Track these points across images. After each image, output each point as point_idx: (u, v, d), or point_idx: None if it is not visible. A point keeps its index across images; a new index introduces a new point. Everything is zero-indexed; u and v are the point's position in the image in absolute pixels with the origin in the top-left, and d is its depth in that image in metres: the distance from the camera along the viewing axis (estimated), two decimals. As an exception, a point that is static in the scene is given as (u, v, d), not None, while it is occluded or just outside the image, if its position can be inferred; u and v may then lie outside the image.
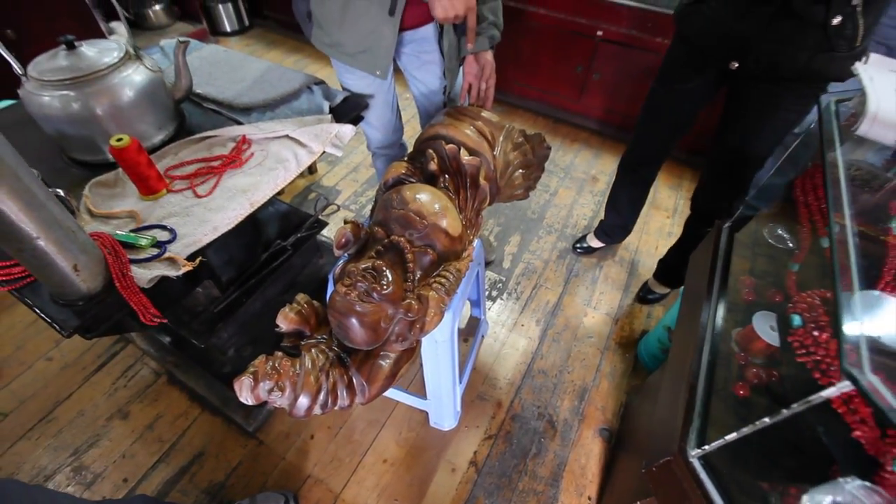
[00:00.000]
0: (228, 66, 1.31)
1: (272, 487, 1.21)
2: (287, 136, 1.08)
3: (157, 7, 2.92)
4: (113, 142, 0.84)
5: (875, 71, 0.65)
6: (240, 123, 1.13)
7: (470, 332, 1.52)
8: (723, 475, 0.54)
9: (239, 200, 0.94)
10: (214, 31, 3.15)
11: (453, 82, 1.22)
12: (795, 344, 0.54)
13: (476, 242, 1.05)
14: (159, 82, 1.03)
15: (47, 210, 0.66)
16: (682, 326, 0.78)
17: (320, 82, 1.25)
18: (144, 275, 0.79)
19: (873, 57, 0.68)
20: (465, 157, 0.96)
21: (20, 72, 0.91)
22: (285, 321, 0.77)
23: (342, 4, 1.00)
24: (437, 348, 1.01)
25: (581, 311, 1.63)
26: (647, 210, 1.99)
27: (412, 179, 0.96)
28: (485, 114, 1.09)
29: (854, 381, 0.37)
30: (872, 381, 0.36)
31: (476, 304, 1.51)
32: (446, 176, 0.99)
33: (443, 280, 0.82)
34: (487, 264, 1.77)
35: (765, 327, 0.63)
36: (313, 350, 0.75)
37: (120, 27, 1.08)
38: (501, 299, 1.66)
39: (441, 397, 1.19)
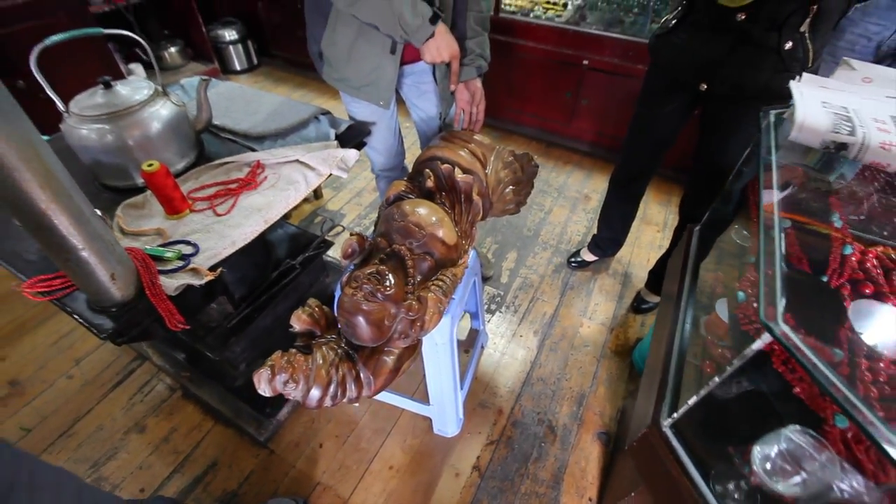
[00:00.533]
0: (243, 100, 1.44)
1: (283, 495, 1.25)
2: (297, 161, 1.18)
3: (173, 49, 3.12)
4: (144, 167, 0.95)
5: (806, 87, 0.75)
6: (254, 150, 1.24)
7: (470, 344, 1.58)
8: (693, 443, 0.61)
9: (255, 218, 1.03)
10: (225, 70, 3.35)
11: (448, 109, 1.34)
12: (740, 316, 0.61)
13: (471, 252, 1.13)
14: (183, 116, 1.15)
15: (91, 225, 0.76)
16: (660, 321, 0.86)
17: (326, 112, 1.37)
18: (171, 283, 0.88)
19: (806, 76, 0.78)
20: (459, 175, 1.06)
21: (63, 108, 1.03)
22: (298, 322, 0.85)
23: (349, 45, 1.12)
24: (438, 351, 1.09)
25: (577, 322, 1.69)
26: (638, 225, 2.08)
27: (411, 196, 1.06)
28: (477, 136, 1.20)
29: (770, 331, 0.44)
30: (785, 330, 0.44)
31: (475, 316, 1.58)
32: (443, 193, 1.09)
33: (440, 283, 0.90)
34: (486, 279, 1.85)
35: (724, 311, 0.70)
36: (324, 347, 0.83)
37: (138, 68, 1.20)
38: (500, 312, 1.73)
39: (443, 402, 1.25)
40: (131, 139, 1.05)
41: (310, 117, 1.35)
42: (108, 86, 1.06)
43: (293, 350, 0.81)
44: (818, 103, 0.70)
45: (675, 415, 0.60)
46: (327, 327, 0.89)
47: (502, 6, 2.37)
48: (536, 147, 2.66)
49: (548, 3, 2.40)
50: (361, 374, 0.82)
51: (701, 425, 0.61)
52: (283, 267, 1.54)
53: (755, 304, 0.55)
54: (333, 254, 1.88)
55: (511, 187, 1.19)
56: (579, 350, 1.60)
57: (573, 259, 1.89)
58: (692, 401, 0.57)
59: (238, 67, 3.37)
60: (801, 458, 0.51)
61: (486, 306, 1.75)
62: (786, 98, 1.02)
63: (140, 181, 1.11)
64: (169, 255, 0.92)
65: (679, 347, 0.70)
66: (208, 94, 1.23)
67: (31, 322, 1.67)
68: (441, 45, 1.04)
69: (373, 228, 1.10)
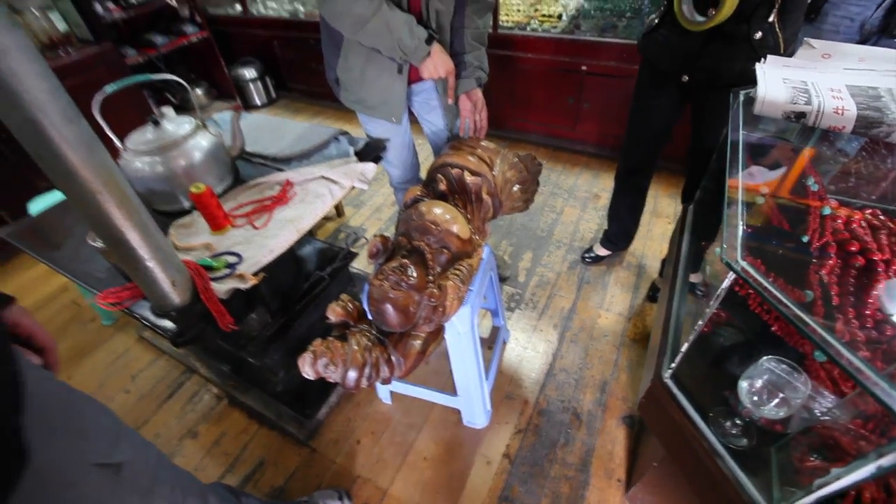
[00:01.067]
0: (269, 128, 1.59)
1: (326, 488, 1.34)
2: (322, 177, 1.31)
3: (199, 91, 3.37)
4: (192, 189, 1.08)
5: (769, 67, 0.82)
6: (282, 170, 1.37)
7: (492, 340, 1.66)
8: (693, 390, 0.68)
9: (288, 229, 1.15)
10: (247, 106, 3.58)
11: (454, 120, 1.45)
12: (720, 271, 0.68)
13: (486, 247, 1.23)
14: (220, 145, 1.29)
15: (156, 239, 0.88)
16: (662, 293, 0.92)
17: (345, 133, 1.50)
18: (221, 288, 1.00)
19: (770, 58, 0.86)
20: (468, 177, 1.16)
21: (120, 146, 1.18)
22: (333, 314, 0.96)
23: (360, 69, 1.25)
24: (461, 340, 1.17)
25: (595, 314, 1.75)
26: (649, 218, 2.14)
27: (427, 199, 1.16)
28: (483, 142, 1.30)
29: (731, 267, 0.51)
30: (745, 265, 0.51)
31: (496, 313, 1.66)
32: (455, 195, 1.19)
33: (458, 272, 0.99)
34: (504, 280, 1.93)
35: (708, 270, 0.77)
36: (357, 335, 0.93)
37: (169, 111, 1.34)
38: (520, 309, 1.81)
39: (470, 393, 1.33)
40: (178, 168, 1.19)
41: (330, 138, 1.48)
42: (156, 123, 1.22)
43: (331, 338, 0.91)
44: (780, 80, 0.77)
45: (672, 365, 0.67)
46: (359, 318, 0.99)
47: (500, 23, 2.51)
48: (544, 152, 2.76)
49: (543, 16, 2.53)
50: (392, 357, 0.92)
51: (698, 374, 0.68)
52: (313, 278, 1.66)
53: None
54: (358, 265, 1.99)
55: (518, 186, 1.29)
56: (599, 340, 1.66)
57: (587, 255, 1.96)
58: (684, 348, 0.63)
59: (258, 102, 3.60)
60: (779, 385, 0.57)
61: (505, 304, 1.82)
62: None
63: (186, 204, 1.25)
64: (217, 264, 1.04)
65: (677, 311, 0.77)
66: (240, 125, 1.38)
67: (90, 346, 1.83)
68: (437, 63, 1.17)
69: (394, 232, 1.20)
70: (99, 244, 1.06)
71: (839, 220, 0.78)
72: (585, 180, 2.49)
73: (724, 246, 0.53)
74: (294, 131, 1.55)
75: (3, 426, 0.48)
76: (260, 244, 1.11)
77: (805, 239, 0.74)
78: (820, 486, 0.47)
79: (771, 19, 0.99)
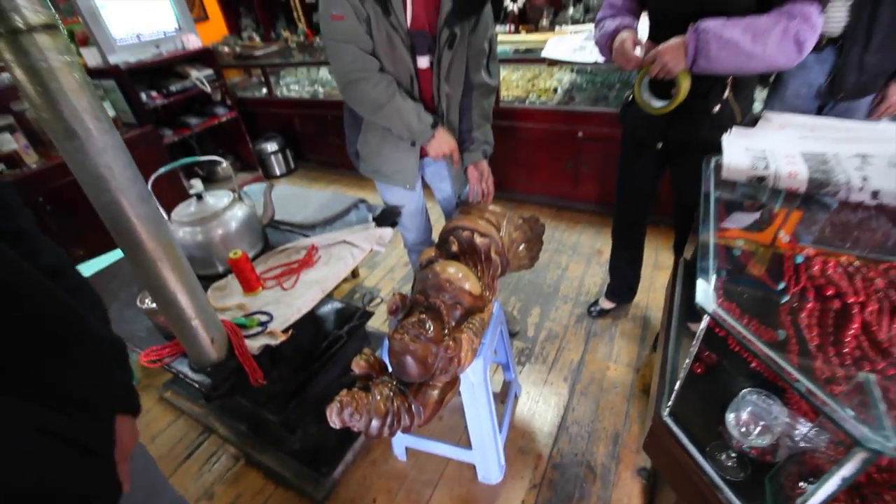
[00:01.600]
0: (295, 198, 1.75)
1: (343, 548, 1.34)
2: (344, 241, 1.44)
3: (224, 164, 3.64)
4: (231, 255, 1.21)
5: (734, 138, 0.96)
6: (308, 236, 1.51)
7: (504, 395, 1.70)
8: (690, 427, 0.74)
9: (314, 289, 1.26)
10: (267, 175, 3.84)
11: (462, 188, 1.60)
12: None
13: (496, 303, 1.32)
14: (253, 214, 1.44)
15: (201, 301, 0.99)
16: (661, 337, 1.00)
17: (363, 201, 1.66)
18: (254, 345, 1.09)
19: (735, 129, 1.00)
20: (478, 239, 1.28)
21: (166, 217, 1.33)
22: (357, 367, 1.04)
23: (378, 143, 1.42)
24: (475, 392, 1.23)
25: (604, 366, 1.80)
26: (651, 272, 2.23)
27: (441, 259, 1.28)
28: (490, 206, 1.44)
29: (704, 310, 0.60)
30: (718, 311, 0.59)
31: (507, 367, 1.71)
32: (466, 255, 1.30)
33: (471, 326, 1.08)
34: (513, 335, 2.00)
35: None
36: (380, 385, 1.00)
37: (198, 183, 1.50)
38: (530, 363, 1.86)
39: (484, 445, 1.36)
40: (216, 236, 1.33)
41: (350, 206, 1.63)
42: (199, 197, 1.37)
43: (355, 389, 0.99)
44: (743, 149, 0.90)
45: (669, 404, 0.73)
46: (380, 371, 1.07)
47: (501, 97, 2.77)
48: (548, 212, 2.91)
49: (540, 90, 2.79)
50: (413, 406, 0.98)
51: (694, 411, 0.74)
52: (331, 337, 1.74)
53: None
54: (373, 324, 2.07)
55: (523, 245, 1.40)
56: (609, 392, 1.69)
57: (592, 308, 2.03)
58: (677, 386, 0.70)
59: (278, 172, 3.87)
60: (760, 415, 0.63)
61: (516, 359, 1.87)
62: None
63: (220, 269, 1.38)
64: (250, 322, 1.14)
65: (672, 355, 0.84)
66: (271, 196, 1.54)
67: (113, 406, 1.88)
68: (441, 143, 1.34)
69: (410, 291, 1.31)
70: (147, 306, 1.17)
71: (816, 267, 0.87)
72: (588, 237, 2.61)
73: (700, 292, 0.62)
74: (317, 200, 1.71)
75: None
76: (288, 304, 1.22)
77: (781, 285, 0.83)
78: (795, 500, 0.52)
79: (726, 95, 1.16)
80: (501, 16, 3.01)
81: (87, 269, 1.86)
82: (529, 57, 2.61)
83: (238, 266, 1.22)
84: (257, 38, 4.28)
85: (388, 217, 1.58)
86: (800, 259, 0.85)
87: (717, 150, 1.01)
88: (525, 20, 3.00)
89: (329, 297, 1.99)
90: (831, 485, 0.49)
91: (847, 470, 0.47)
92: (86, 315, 0.55)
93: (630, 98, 1.41)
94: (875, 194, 0.73)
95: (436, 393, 1.01)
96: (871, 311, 0.78)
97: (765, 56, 0.97)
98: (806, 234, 0.98)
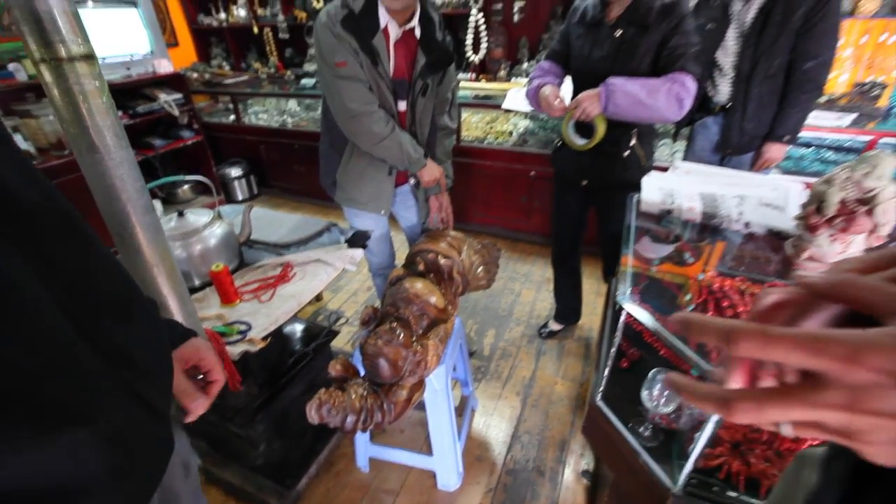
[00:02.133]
0: (269, 219, 1.85)
1: (306, 556, 1.38)
2: (318, 260, 1.55)
3: (185, 187, 3.64)
4: (213, 268, 1.29)
5: (650, 178, 1.20)
6: (282, 255, 1.60)
7: (462, 408, 1.82)
8: (620, 409, 0.90)
9: (291, 302, 1.36)
10: (229, 200, 3.86)
11: (425, 217, 1.78)
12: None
13: (457, 318, 1.47)
14: (231, 233, 1.53)
15: (188, 305, 1.07)
16: (596, 343, 1.18)
17: (335, 224, 1.78)
18: (234, 350, 1.17)
19: (653, 173, 1.26)
20: (441, 260, 1.44)
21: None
22: (333, 370, 1.14)
23: (360, 174, 1.58)
24: (437, 397, 1.35)
25: (552, 381, 1.97)
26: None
27: (408, 277, 1.42)
28: (452, 232, 1.61)
29: (621, 303, 0.78)
30: (630, 308, 0.77)
31: (465, 383, 1.84)
32: (431, 274, 1.46)
33: (437, 334, 1.22)
34: (471, 354, 2.14)
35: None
36: (355, 386, 1.11)
37: (158, 203, 1.59)
38: (486, 379, 2.00)
39: (444, 450, 1.47)
40: (195, 252, 1.41)
41: (323, 228, 1.75)
42: (181, 214, 1.45)
43: (332, 388, 1.09)
44: (656, 188, 1.14)
45: (600, 390, 0.90)
46: (354, 374, 1.18)
47: (462, 137, 3.02)
48: (503, 242, 3.13)
49: (497, 132, 3.07)
50: (384, 404, 1.10)
51: (621, 396, 0.91)
52: (297, 354, 1.81)
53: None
54: (337, 344, 2.15)
55: (481, 267, 1.58)
56: (557, 404, 1.86)
57: (542, 329, 2.22)
58: (605, 372, 0.87)
59: (240, 198, 3.90)
60: (665, 389, 0.81)
61: (472, 375, 2.01)
62: (635, 187, 1.52)
63: (197, 282, 1.44)
64: (230, 330, 1.22)
65: (605, 355, 1.02)
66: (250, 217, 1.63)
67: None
68: (433, 170, 1.56)
69: (380, 306, 1.43)
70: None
71: (716, 285, 1.09)
72: (539, 266, 2.84)
73: (619, 290, 0.80)
74: (291, 222, 1.81)
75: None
76: (266, 314, 1.31)
77: (688, 297, 1.04)
78: (690, 453, 0.69)
79: (632, 143, 1.48)
80: (464, 65, 3.31)
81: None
82: (488, 103, 2.89)
83: (219, 278, 1.30)
84: (227, 67, 4.37)
85: (359, 239, 1.71)
86: (701, 276, 1.07)
87: (630, 186, 1.26)
88: (485, 70, 3.32)
89: (294, 317, 2.06)
90: (706, 431, 0.66)
91: (712, 420, 0.65)
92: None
93: (559, 143, 1.68)
94: (747, 224, 0.97)
95: (405, 393, 1.13)
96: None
97: (656, 108, 1.27)
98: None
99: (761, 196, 1.06)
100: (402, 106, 1.47)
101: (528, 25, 3.18)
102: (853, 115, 2.31)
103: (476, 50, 3.18)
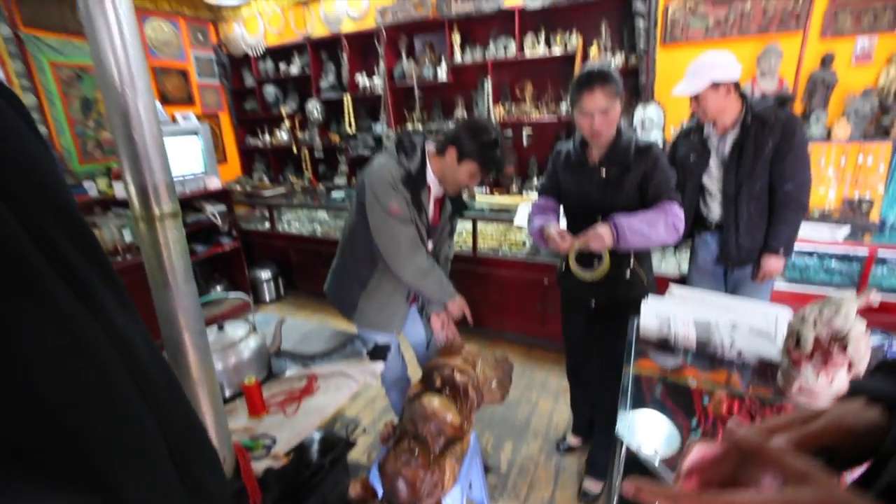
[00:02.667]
0: (297, 330, 1.98)
1: None
2: (341, 372, 1.64)
3: (218, 287, 3.88)
4: (245, 381, 1.39)
5: (649, 304, 1.30)
6: (308, 366, 1.70)
7: (479, 532, 1.74)
8: None
9: (313, 416, 1.43)
10: (257, 300, 4.06)
11: (431, 334, 1.90)
12: None
13: (472, 433, 1.50)
14: (263, 345, 1.65)
15: (222, 421, 1.15)
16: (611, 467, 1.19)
17: (358, 337, 1.90)
18: (259, 467, 1.22)
19: (651, 297, 1.36)
20: (457, 376, 1.51)
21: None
22: (353, 491, 1.17)
23: (384, 302, 1.74)
24: (452, 521, 1.34)
25: (573, 501, 1.88)
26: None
27: (426, 393, 1.48)
28: (467, 347, 1.70)
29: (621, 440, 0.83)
30: (630, 442, 0.82)
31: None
32: (447, 389, 1.52)
33: (453, 453, 1.26)
34: (487, 470, 2.09)
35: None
36: (372, 508, 1.13)
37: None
38: (503, 499, 1.93)
39: (459, 583, 1.40)
40: (230, 364, 1.52)
41: (346, 341, 1.86)
42: (221, 328, 1.59)
43: (350, 511, 1.11)
44: (654, 315, 1.23)
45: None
46: (373, 496, 1.20)
47: (479, 247, 3.23)
48: (518, 349, 3.17)
49: (511, 242, 3.28)
50: (399, 529, 1.11)
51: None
52: (313, 467, 1.81)
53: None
54: (354, 455, 2.13)
55: (495, 382, 1.63)
56: (578, 531, 1.76)
57: (561, 444, 2.17)
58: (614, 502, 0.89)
59: (268, 299, 4.10)
60: None
61: (489, 493, 1.94)
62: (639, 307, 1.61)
63: (229, 393, 1.53)
64: (256, 445, 1.28)
65: (614, 478, 1.04)
66: (273, 328, 1.77)
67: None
68: (459, 303, 1.72)
69: (397, 420, 1.48)
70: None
71: (724, 404, 1.13)
72: (556, 374, 2.84)
73: (619, 423, 0.85)
74: (317, 333, 1.94)
75: None
76: (290, 429, 1.37)
77: (693, 421, 1.08)
78: None
79: (633, 266, 1.62)
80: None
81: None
82: (502, 217, 3.13)
83: (250, 392, 1.39)
84: (266, 180, 4.88)
85: (379, 353, 1.81)
86: (706, 400, 1.12)
87: (635, 304, 1.36)
88: (499, 184, 3.65)
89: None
90: None
91: None
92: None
93: (564, 268, 1.80)
94: (739, 353, 1.03)
95: (421, 517, 1.14)
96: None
97: (658, 237, 1.44)
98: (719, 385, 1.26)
99: (752, 324, 1.14)
100: (430, 245, 1.71)
101: (536, 147, 3.56)
102: (847, 228, 2.44)
103: (491, 170, 3.54)
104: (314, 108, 4.17)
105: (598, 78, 1.42)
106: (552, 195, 1.79)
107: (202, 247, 3.61)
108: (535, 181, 3.55)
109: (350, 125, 4.10)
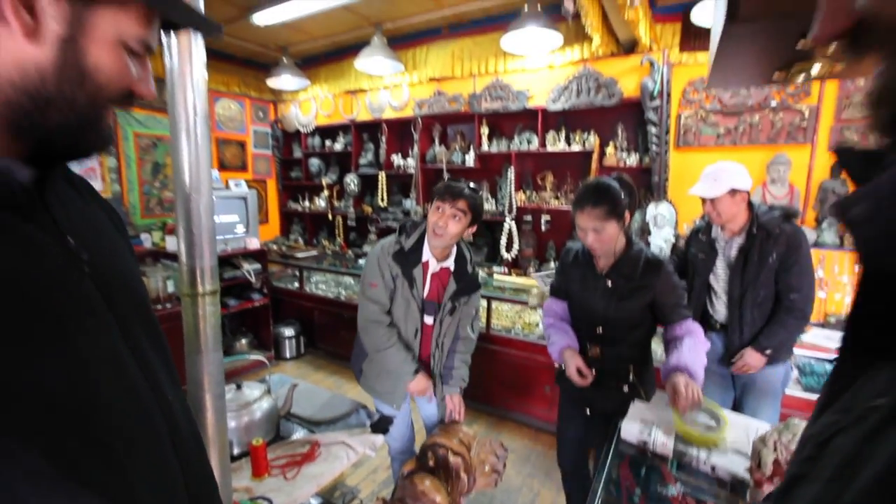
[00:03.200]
0: (307, 393, 2.09)
1: None
2: (342, 442, 1.72)
3: (244, 340, 4.08)
4: (253, 442, 1.50)
5: (635, 409, 1.36)
6: (313, 432, 1.80)
7: None
8: None
9: (311, 483, 1.50)
10: (278, 356, 4.21)
11: (443, 411, 1.96)
12: None
13: (460, 519, 1.52)
14: (275, 407, 1.77)
15: (227, 477, 1.26)
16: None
17: (364, 406, 1.99)
18: (253, 529, 1.29)
19: (636, 403, 1.41)
20: (451, 457, 1.58)
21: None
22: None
23: (379, 369, 1.85)
24: None
25: None
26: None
27: (419, 472, 1.55)
28: (464, 428, 1.77)
29: None
30: None
31: None
32: (440, 469, 1.58)
33: (435, 537, 1.30)
34: (480, 560, 2.04)
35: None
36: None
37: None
38: None
39: None
40: (242, 423, 1.64)
41: (352, 410, 1.96)
42: (238, 387, 1.74)
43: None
44: (638, 420, 1.29)
45: None
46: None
47: (492, 325, 3.32)
48: (526, 432, 3.13)
49: (525, 323, 3.36)
50: None
51: None
52: (307, 537, 1.84)
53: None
54: (345, 526, 2.14)
55: (489, 466, 1.68)
56: None
57: (558, 540, 2.10)
58: None
59: (288, 355, 4.25)
60: None
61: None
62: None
63: (237, 451, 1.64)
64: (254, 507, 1.37)
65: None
66: (283, 391, 1.90)
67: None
68: (417, 384, 1.78)
69: (391, 495, 1.54)
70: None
71: None
72: (561, 463, 2.78)
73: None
74: (324, 398, 2.05)
75: None
76: (289, 493, 1.45)
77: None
78: None
79: (632, 379, 1.62)
80: (498, 259, 3.83)
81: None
82: (518, 298, 3.25)
83: (256, 453, 1.50)
84: (301, 242, 5.23)
85: (381, 425, 1.89)
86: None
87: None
88: (516, 265, 3.80)
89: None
90: None
91: None
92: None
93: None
94: (713, 468, 1.07)
95: None
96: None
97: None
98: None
99: (731, 439, 1.18)
100: (429, 320, 1.82)
101: (555, 232, 3.73)
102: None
103: (509, 249, 3.71)
104: (352, 181, 4.57)
105: (590, 200, 1.48)
106: (563, 297, 1.82)
107: (234, 301, 3.86)
108: (553, 264, 3.68)
109: (382, 199, 4.44)
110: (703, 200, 1.97)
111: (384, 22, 3.55)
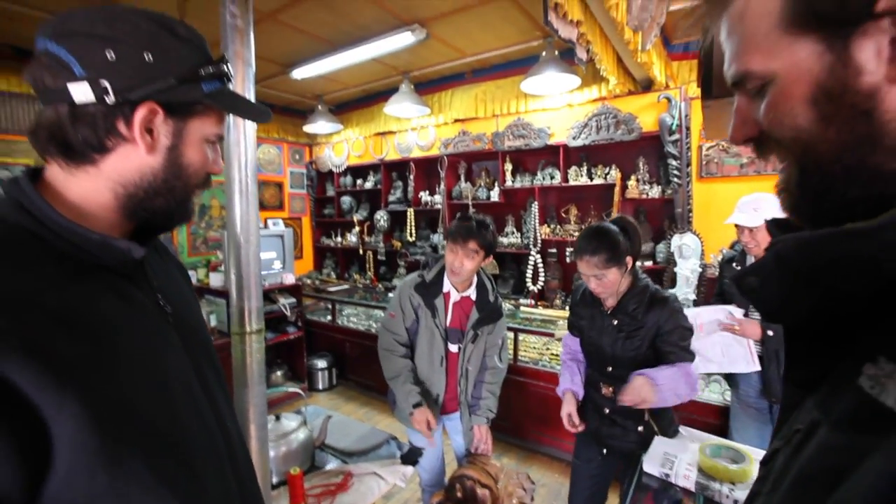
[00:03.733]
0: (341, 425, 2.18)
1: None
2: (374, 473, 1.80)
3: (279, 372, 4.23)
4: (291, 471, 1.59)
5: (659, 444, 1.38)
6: (346, 463, 1.88)
7: None
8: None
9: (344, 512, 1.58)
10: (311, 388, 4.34)
11: (469, 442, 2.00)
12: None
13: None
14: (311, 437, 1.87)
15: (269, 503, 1.36)
16: None
17: (395, 438, 2.06)
18: (291, 555, 1.37)
19: (656, 440, 1.42)
20: (479, 489, 1.62)
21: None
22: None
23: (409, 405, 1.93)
24: None
25: None
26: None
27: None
28: (493, 460, 1.81)
29: None
30: None
31: None
32: (469, 502, 1.62)
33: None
34: None
35: None
36: None
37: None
38: None
39: None
40: (280, 453, 1.74)
41: (383, 441, 2.03)
42: (277, 418, 1.85)
43: None
44: (661, 454, 1.31)
45: None
46: None
47: (520, 357, 3.34)
48: (557, 467, 3.09)
49: (552, 355, 3.37)
50: None
51: None
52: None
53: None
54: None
55: (516, 499, 1.70)
56: None
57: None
58: None
59: (321, 387, 4.37)
60: None
61: None
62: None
63: (275, 480, 1.73)
64: (292, 534, 1.45)
65: None
66: (318, 422, 1.99)
67: None
68: (417, 419, 1.83)
69: (419, 527, 1.58)
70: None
71: None
72: (593, 500, 2.72)
73: None
74: (358, 430, 2.13)
75: None
76: (323, 522, 1.53)
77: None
78: None
79: (647, 419, 1.59)
80: (525, 292, 3.88)
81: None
82: (544, 330, 3.28)
83: (294, 482, 1.59)
84: (333, 276, 5.44)
85: (411, 456, 1.95)
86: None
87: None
88: (543, 297, 3.83)
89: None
90: None
91: None
92: None
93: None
94: (736, 502, 1.08)
95: None
96: None
97: (683, 395, 1.42)
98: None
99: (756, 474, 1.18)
100: (454, 348, 1.91)
101: (582, 264, 3.76)
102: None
103: (535, 282, 3.76)
104: (382, 217, 4.77)
105: (588, 248, 1.49)
106: (576, 333, 1.83)
107: (271, 334, 4.04)
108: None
109: (411, 234, 4.60)
110: (740, 230, 2.00)
111: (411, 70, 3.81)
